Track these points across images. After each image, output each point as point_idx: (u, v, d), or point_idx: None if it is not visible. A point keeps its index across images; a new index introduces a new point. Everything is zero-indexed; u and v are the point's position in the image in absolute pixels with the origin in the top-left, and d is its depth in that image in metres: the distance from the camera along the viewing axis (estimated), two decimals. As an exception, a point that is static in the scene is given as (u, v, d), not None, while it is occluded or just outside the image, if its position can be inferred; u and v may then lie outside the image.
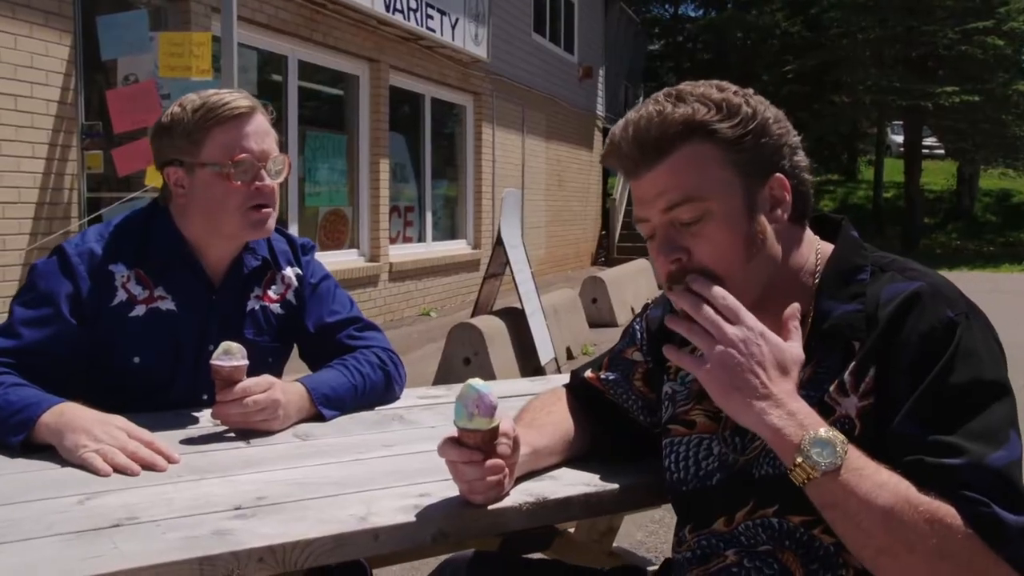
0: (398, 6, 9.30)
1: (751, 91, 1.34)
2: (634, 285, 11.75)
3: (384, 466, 1.61)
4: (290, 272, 2.10)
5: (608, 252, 18.48)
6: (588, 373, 1.66)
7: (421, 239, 11.46)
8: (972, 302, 1.27)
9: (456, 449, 1.35)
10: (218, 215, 1.91)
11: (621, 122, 1.33)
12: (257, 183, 1.90)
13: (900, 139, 24.88)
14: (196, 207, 1.93)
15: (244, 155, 1.88)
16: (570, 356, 8.24)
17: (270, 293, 2.06)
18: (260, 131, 1.92)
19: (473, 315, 7.51)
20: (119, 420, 1.65)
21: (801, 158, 1.34)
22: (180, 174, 1.92)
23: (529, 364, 7.13)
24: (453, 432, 1.36)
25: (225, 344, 1.75)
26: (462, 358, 6.59)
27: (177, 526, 1.31)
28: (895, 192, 27.06)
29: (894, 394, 1.21)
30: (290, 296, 2.09)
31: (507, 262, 7.45)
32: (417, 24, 9.77)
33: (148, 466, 1.56)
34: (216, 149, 1.88)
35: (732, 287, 1.27)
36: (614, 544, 2.30)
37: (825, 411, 1.24)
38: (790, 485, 1.22)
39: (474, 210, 12.74)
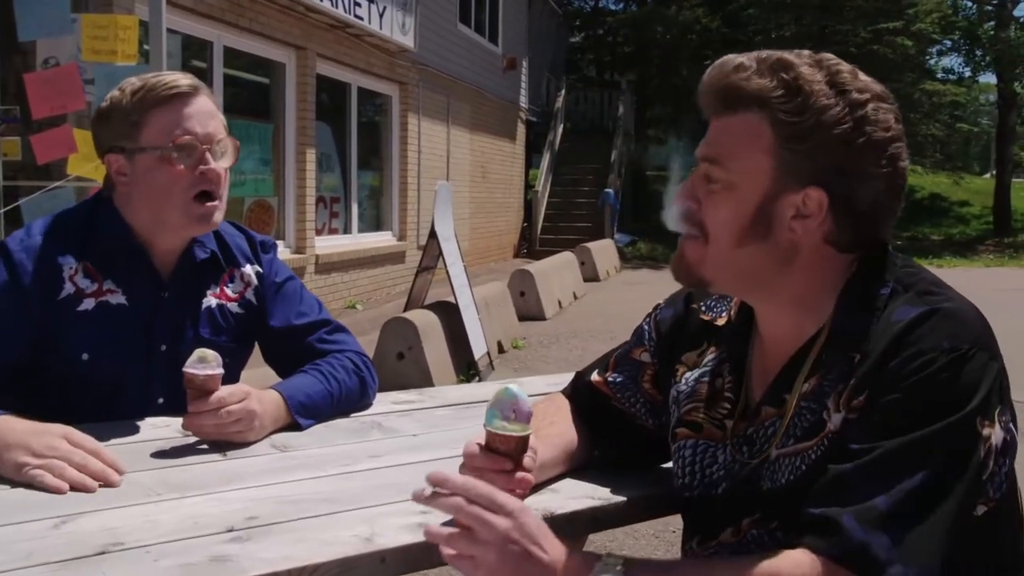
0: (326, -8, 9.11)
1: (867, 97, 1.21)
2: (561, 278, 11.76)
3: (375, 479, 1.54)
4: (249, 270, 2.00)
5: (531, 244, 18.49)
6: (595, 376, 1.60)
7: (347, 231, 11.28)
8: (989, 337, 1.19)
9: (486, 457, 1.28)
10: (162, 204, 1.80)
11: (716, 63, 1.27)
12: (202, 167, 1.79)
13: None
14: (139, 196, 1.82)
15: (186, 137, 1.77)
16: (501, 350, 8.20)
17: (227, 291, 1.96)
18: (204, 112, 1.81)
19: (406, 309, 7.42)
20: (57, 428, 1.52)
21: (878, 194, 1.23)
22: (121, 161, 1.81)
23: (462, 359, 7.06)
24: (479, 438, 1.30)
25: (199, 351, 1.65)
26: (396, 352, 6.49)
27: (168, 552, 1.22)
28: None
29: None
30: (249, 295, 1.99)
31: (440, 255, 7.37)
32: (345, 12, 9.58)
33: (100, 479, 1.45)
34: (156, 131, 1.77)
35: (711, 258, 1.27)
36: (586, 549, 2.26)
37: (819, 427, 1.22)
38: (788, 501, 1.21)
39: (399, 201, 12.59)
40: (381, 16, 10.54)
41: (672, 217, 1.31)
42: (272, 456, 1.66)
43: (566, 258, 13.05)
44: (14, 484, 1.44)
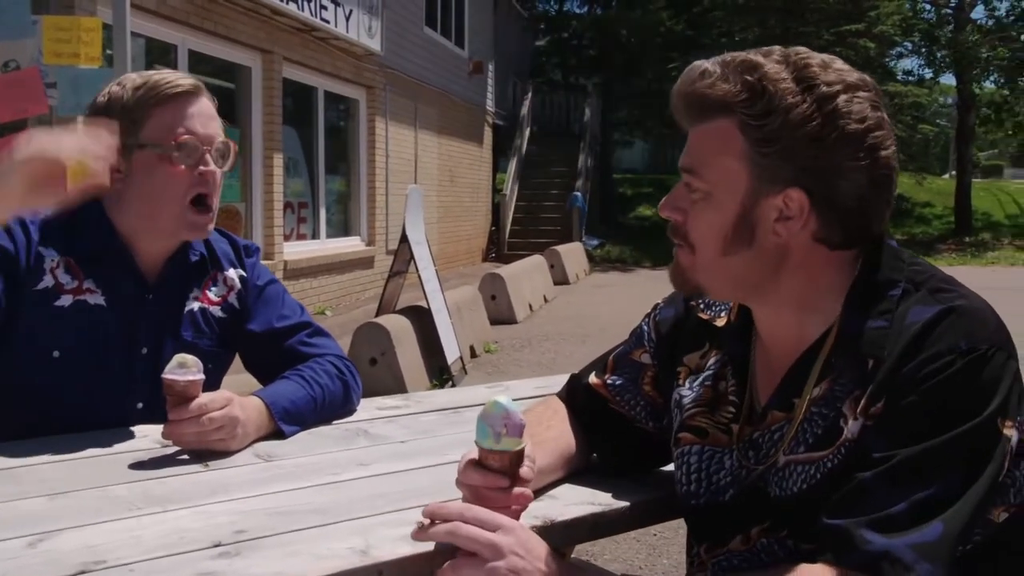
0: (292, -5, 9.01)
1: (837, 90, 1.16)
2: (531, 281, 11.73)
3: (365, 489, 1.48)
4: (233, 274, 1.95)
5: (499, 248, 18.43)
6: (593, 378, 1.55)
7: (315, 236, 11.15)
8: (1006, 336, 1.15)
9: (481, 474, 1.22)
10: (157, 205, 1.76)
11: (686, 71, 1.24)
12: (201, 167, 1.76)
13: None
14: (133, 194, 1.77)
15: (188, 136, 1.74)
16: (474, 354, 8.14)
17: (210, 295, 1.91)
18: (205, 113, 1.79)
19: (378, 314, 7.34)
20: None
21: (861, 188, 1.18)
22: (117, 157, 1.75)
23: (435, 363, 7.00)
24: (473, 454, 1.24)
25: (179, 356, 1.59)
26: (368, 358, 6.41)
27: (153, 570, 1.16)
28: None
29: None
30: (232, 299, 1.94)
31: (411, 259, 7.30)
32: (311, 15, 9.48)
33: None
34: (158, 129, 1.74)
35: (700, 268, 1.25)
36: (572, 556, 2.21)
37: (834, 434, 1.18)
38: (800, 510, 1.18)
39: (367, 206, 12.49)
40: (347, 19, 10.44)
41: (669, 233, 1.29)
42: (256, 466, 1.59)
43: (536, 261, 13.01)
44: (20, 498, 1.37)
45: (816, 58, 1.20)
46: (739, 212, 1.20)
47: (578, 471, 1.51)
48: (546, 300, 12.08)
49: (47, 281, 1.74)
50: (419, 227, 7.59)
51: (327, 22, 9.87)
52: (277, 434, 1.73)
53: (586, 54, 27.05)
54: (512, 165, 19.49)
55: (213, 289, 1.92)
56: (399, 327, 6.68)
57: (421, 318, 7.09)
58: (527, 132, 20.84)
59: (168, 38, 7.80)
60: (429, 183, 14.92)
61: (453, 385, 6.60)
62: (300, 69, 10.17)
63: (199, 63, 8.34)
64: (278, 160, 9.51)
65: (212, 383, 1.82)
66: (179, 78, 1.77)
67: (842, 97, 1.17)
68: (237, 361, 2.00)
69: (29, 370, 1.73)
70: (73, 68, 5.14)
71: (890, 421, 1.12)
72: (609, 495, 1.45)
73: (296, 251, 10.13)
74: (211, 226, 1.83)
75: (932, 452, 1.09)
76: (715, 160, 1.21)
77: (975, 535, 1.16)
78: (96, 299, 1.78)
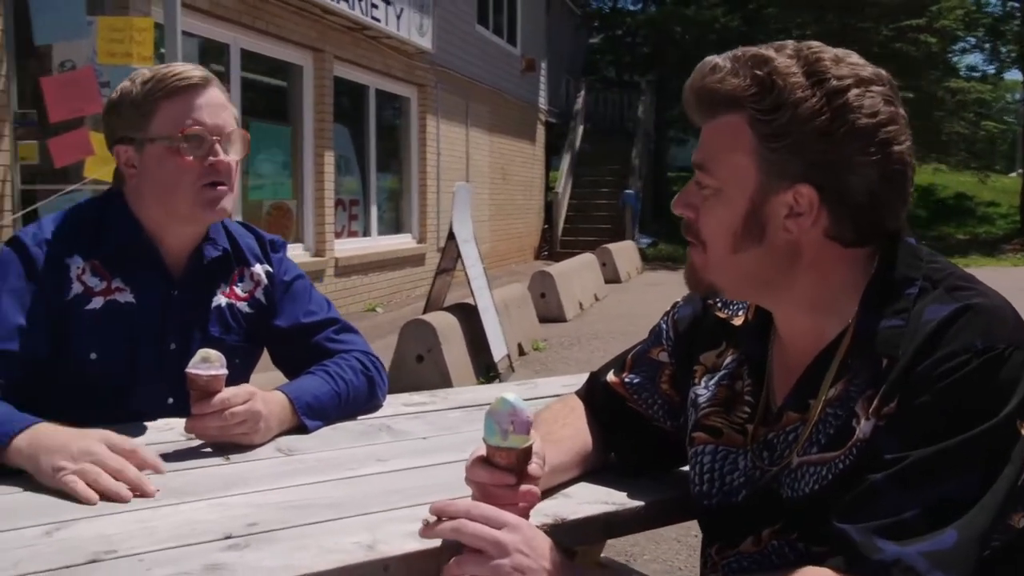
0: (343, -6, 9.09)
1: (847, 84, 1.14)
2: (581, 279, 11.69)
3: (381, 484, 1.48)
4: (259, 269, 1.96)
5: (551, 246, 18.41)
6: (611, 376, 1.54)
7: (366, 233, 11.25)
8: None
9: (488, 471, 1.22)
10: (171, 195, 1.78)
11: (698, 66, 1.22)
12: (211, 158, 1.76)
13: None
14: (149, 187, 1.80)
15: (196, 127, 1.75)
16: (522, 352, 8.14)
17: (237, 290, 1.93)
18: (214, 104, 1.79)
19: (425, 311, 7.37)
20: (96, 433, 1.49)
21: (872, 183, 1.15)
22: (130, 152, 1.79)
23: (482, 361, 7.01)
24: (481, 450, 1.24)
25: (203, 351, 1.60)
26: (415, 355, 6.45)
27: (162, 560, 1.17)
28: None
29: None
30: (259, 294, 1.95)
31: (459, 257, 7.32)
32: (362, 13, 9.56)
33: (136, 489, 1.40)
34: (166, 122, 1.75)
35: (712, 265, 1.24)
36: (604, 556, 2.20)
37: (846, 435, 1.16)
38: (811, 512, 1.16)
39: (419, 204, 12.56)
40: (398, 18, 10.51)
41: (683, 231, 1.28)
42: (277, 460, 1.61)
43: (587, 259, 12.97)
44: (26, 487, 1.41)
45: (829, 52, 1.18)
46: (749, 208, 1.19)
47: (595, 470, 1.50)
48: (597, 298, 12.03)
49: (76, 288, 1.76)
50: (467, 225, 7.60)
51: (378, 21, 9.94)
52: (300, 429, 1.75)
53: (640, 51, 26.92)
54: (565, 163, 19.45)
55: (240, 284, 1.94)
56: (446, 324, 6.70)
57: (468, 315, 7.11)
58: (580, 130, 20.78)
59: (221, 37, 7.92)
60: (481, 181, 14.96)
61: (500, 382, 6.61)
62: (351, 67, 10.27)
63: (251, 62, 8.47)
64: (329, 158, 9.60)
65: (240, 378, 1.84)
66: (187, 70, 1.78)
67: (853, 91, 1.14)
68: (267, 358, 2.02)
69: (69, 374, 1.76)
70: (126, 67, 5.23)
71: (903, 421, 1.10)
72: (624, 494, 1.43)
73: (347, 248, 10.23)
74: (227, 202, 1.82)
75: (945, 454, 1.06)
76: (725, 156, 1.20)
77: (994, 540, 1.12)
78: (126, 297, 1.80)
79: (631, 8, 29.04)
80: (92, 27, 5.32)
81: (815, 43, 1.20)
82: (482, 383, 6.79)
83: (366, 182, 11.22)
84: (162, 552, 1.19)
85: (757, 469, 1.27)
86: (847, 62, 1.18)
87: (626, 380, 1.51)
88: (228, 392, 1.61)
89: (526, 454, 1.23)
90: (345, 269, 9.91)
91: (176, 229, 1.85)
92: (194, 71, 1.79)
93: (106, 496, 1.37)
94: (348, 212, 10.74)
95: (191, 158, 1.75)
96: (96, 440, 1.46)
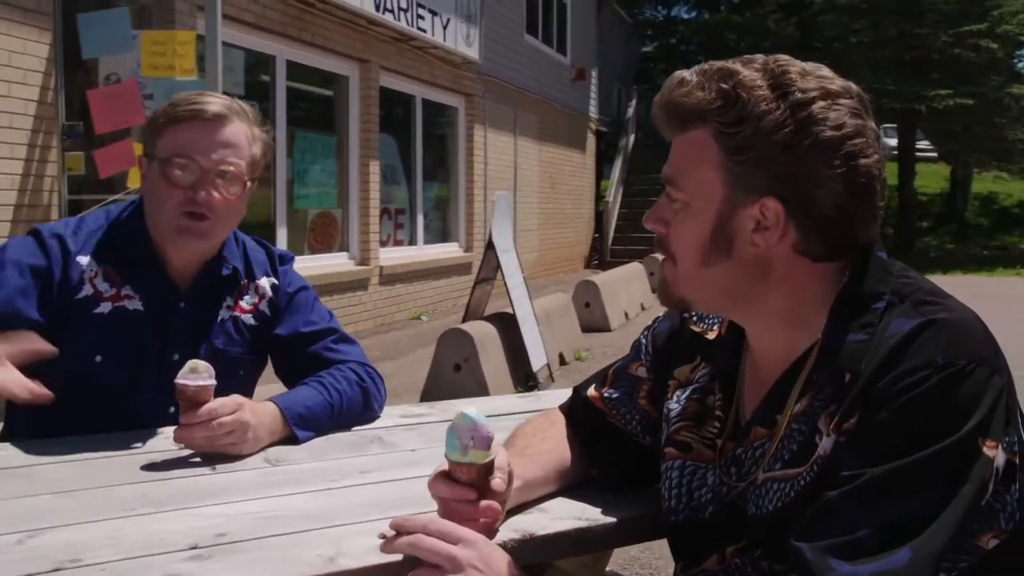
0: (388, 6, 9.17)
1: (812, 96, 1.12)
2: (628, 289, 11.63)
3: (358, 496, 1.49)
4: (265, 282, 1.99)
5: (602, 255, 18.35)
6: (591, 391, 1.53)
7: (412, 242, 11.33)
8: (991, 350, 1.09)
9: (448, 486, 1.22)
10: (155, 214, 1.84)
11: (667, 81, 1.22)
12: (193, 193, 1.78)
13: (894, 142, 24.77)
14: (146, 203, 1.87)
15: (185, 160, 1.77)
16: (563, 362, 8.11)
17: (242, 304, 1.96)
18: (217, 141, 1.79)
19: (464, 320, 7.39)
20: None
21: (839, 197, 1.13)
22: (144, 166, 1.86)
23: (521, 371, 7.00)
24: (444, 465, 1.24)
25: (192, 362, 1.63)
26: (452, 364, 6.46)
27: (122, 570, 1.18)
28: (889, 195, 26.92)
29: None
30: (263, 307, 1.98)
31: (498, 266, 7.33)
32: (408, 24, 9.64)
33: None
34: (165, 146, 1.80)
35: (682, 280, 1.23)
36: (607, 568, 2.18)
37: (809, 451, 1.14)
38: (773, 529, 1.14)
39: (466, 213, 12.61)
40: (445, 28, 10.58)
41: (655, 245, 1.29)
42: (262, 470, 1.62)
43: (634, 269, 12.90)
44: (7, 496, 1.43)
45: (797, 65, 1.17)
46: (716, 222, 1.18)
47: (574, 485, 1.48)
48: (643, 308, 11.96)
49: (87, 290, 1.81)
50: (507, 234, 7.61)
51: (424, 31, 10.01)
52: (292, 439, 1.76)
53: (693, 59, 26.70)
54: (616, 171, 19.39)
55: (246, 298, 1.97)
56: (483, 333, 6.70)
57: (508, 325, 7.10)
58: (632, 138, 20.70)
59: (266, 49, 8.04)
60: (529, 190, 14.97)
61: (539, 391, 6.59)
62: (397, 78, 10.35)
63: (297, 73, 8.58)
64: (374, 167, 9.69)
65: (243, 389, 1.86)
66: (205, 102, 1.80)
67: (818, 104, 1.13)
68: (270, 370, 2.04)
69: (72, 374, 1.79)
70: (169, 80, 5.36)
71: (862, 438, 1.08)
72: (599, 510, 1.41)
73: (392, 257, 10.30)
74: (212, 236, 1.84)
75: (901, 471, 1.03)
76: (692, 170, 1.19)
77: (961, 562, 1.09)
78: (134, 304, 1.84)
79: (684, 16, 28.90)
80: (136, 41, 5.46)
81: (784, 57, 1.19)
82: (520, 392, 6.79)
83: (412, 191, 11.30)
84: (124, 562, 1.20)
85: (724, 485, 1.26)
86: (815, 75, 1.16)
87: (605, 395, 1.50)
88: (216, 403, 1.63)
89: (487, 469, 1.22)
90: (390, 278, 9.98)
91: (170, 246, 1.87)
92: (213, 104, 1.80)
93: None
94: (394, 221, 10.82)
95: (175, 187, 1.78)
96: None
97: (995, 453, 1.05)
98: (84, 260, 1.83)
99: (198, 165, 1.78)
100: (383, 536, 1.19)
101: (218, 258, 1.92)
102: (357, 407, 1.90)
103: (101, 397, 1.82)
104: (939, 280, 1.16)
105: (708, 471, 1.28)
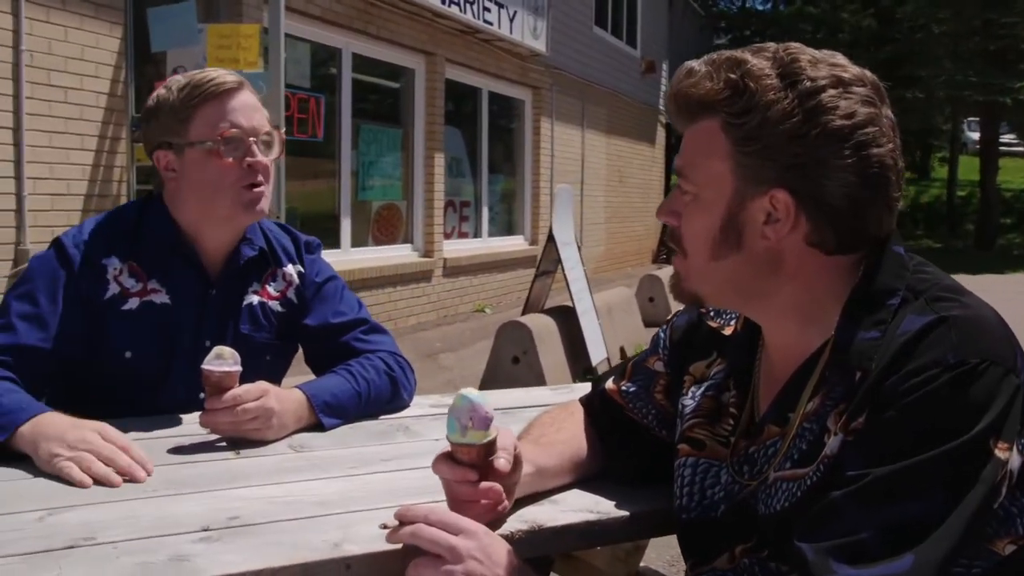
0: (454, -1, 9.20)
1: (822, 84, 1.10)
2: (693, 284, 11.49)
3: (376, 484, 1.50)
4: (291, 269, 2.01)
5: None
6: (610, 384, 1.52)
7: (477, 234, 11.35)
8: (1008, 348, 1.04)
9: (449, 466, 1.23)
10: (211, 196, 1.84)
11: (677, 71, 1.21)
12: (249, 159, 1.82)
13: (976, 136, 24.08)
14: (188, 190, 1.86)
15: (233, 130, 1.81)
16: (623, 356, 8.06)
17: (269, 289, 1.98)
18: (248, 106, 1.85)
19: (524, 313, 7.39)
20: (92, 424, 1.55)
21: (850, 186, 1.11)
22: (170, 157, 1.85)
23: (580, 364, 6.98)
24: (448, 447, 1.24)
25: (217, 348, 1.65)
26: (511, 356, 6.47)
27: (134, 549, 1.20)
28: (970, 190, 26.20)
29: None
30: (291, 294, 2.00)
31: (559, 259, 7.31)
32: (474, 17, 9.65)
33: (126, 474, 1.46)
34: (204, 126, 1.81)
35: (693, 273, 1.21)
36: (641, 564, 2.16)
37: (817, 450, 1.11)
38: (780, 529, 1.12)
39: (531, 206, 12.60)
40: (511, 21, 10.56)
41: (663, 236, 1.25)
42: (284, 456, 1.64)
43: (700, 263, 12.74)
44: (36, 474, 1.47)
45: (808, 53, 1.14)
46: (725, 214, 1.16)
47: (590, 476, 1.48)
48: (709, 303, 11.81)
49: (113, 289, 1.84)
50: (568, 227, 7.59)
51: (490, 24, 10.02)
52: (318, 426, 1.77)
53: (768, 51, 26.33)
54: (685, 165, 19.13)
55: (272, 284, 1.99)
56: (542, 327, 6.70)
57: (567, 318, 7.09)
58: (702, 132, 20.40)
59: (332, 42, 8.12)
60: (596, 183, 14.90)
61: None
62: (463, 70, 10.38)
63: (363, 65, 8.66)
64: (439, 160, 9.73)
65: (272, 375, 1.89)
66: (221, 76, 1.84)
67: (828, 92, 1.10)
68: (300, 359, 2.07)
69: (104, 372, 1.83)
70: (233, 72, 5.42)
71: (868, 437, 1.04)
72: (612, 503, 1.40)
73: (456, 249, 10.34)
74: (265, 203, 1.88)
75: (906, 472, 1.00)
76: (702, 161, 1.17)
77: (975, 567, 1.05)
78: (161, 298, 1.87)
79: (759, 8, 28.44)
80: (203, 34, 5.57)
81: (796, 44, 1.17)
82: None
83: (478, 184, 11.33)
84: (137, 541, 1.22)
85: (736, 484, 1.23)
86: (827, 63, 1.14)
87: (623, 388, 1.49)
88: (240, 389, 1.65)
89: (487, 449, 1.22)
90: (454, 270, 10.03)
91: (213, 230, 1.90)
92: (228, 76, 1.85)
93: (98, 481, 1.43)
94: (459, 213, 10.86)
95: (230, 160, 1.81)
96: (91, 430, 1.52)
97: (1008, 455, 1.01)
98: (108, 260, 1.85)
99: (243, 132, 1.81)
100: (385, 526, 1.20)
101: (244, 241, 1.95)
102: (385, 396, 1.91)
103: (133, 391, 1.85)
104: (1020, 280, 1.10)
105: (721, 469, 1.26)
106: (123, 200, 5.80)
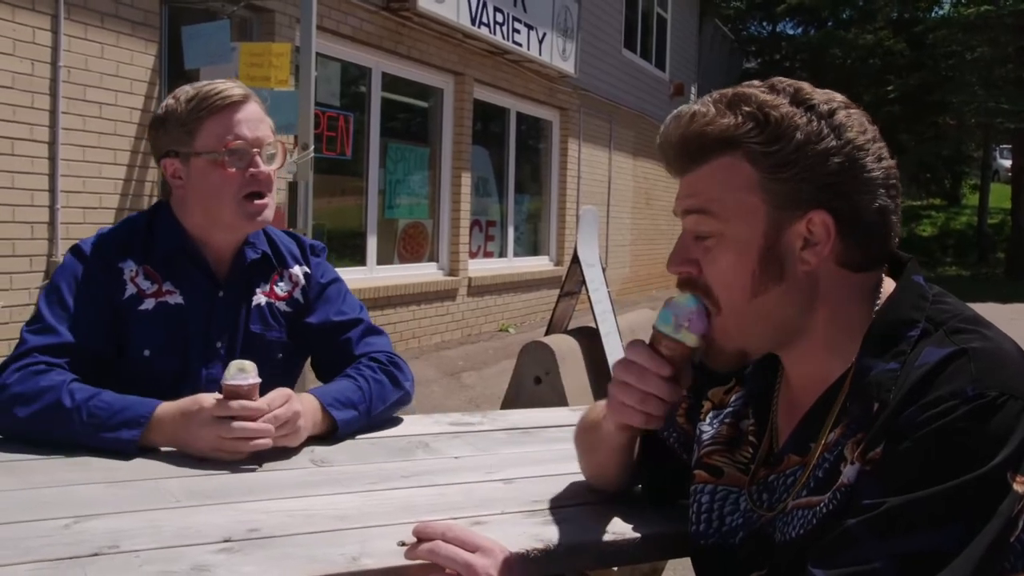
0: (484, 20, 9.27)
1: (833, 107, 1.14)
2: (718, 307, 11.45)
3: (395, 500, 1.52)
4: (297, 270, 2.07)
5: (695, 272, 18.09)
6: None
7: (502, 254, 11.39)
8: None
9: (647, 354, 1.24)
10: (215, 204, 1.91)
11: (670, 116, 1.21)
12: (252, 169, 1.89)
13: (1008, 163, 23.86)
14: (194, 197, 1.93)
15: (238, 142, 1.87)
16: (646, 378, 8.03)
17: (276, 290, 2.03)
18: (253, 118, 1.91)
19: (547, 333, 7.39)
20: (203, 399, 1.69)
21: (879, 198, 1.14)
22: (177, 165, 1.92)
23: (602, 386, 6.95)
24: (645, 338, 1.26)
25: (237, 363, 1.68)
26: (533, 377, 6.47)
27: (156, 558, 1.23)
28: (1001, 218, 25.94)
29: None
30: (297, 294, 2.06)
31: (583, 280, 7.31)
32: (503, 38, 9.72)
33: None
34: (210, 137, 1.88)
35: (729, 320, 1.18)
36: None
37: (833, 478, 1.11)
38: (795, 558, 1.11)
39: (557, 226, 12.63)
40: (540, 42, 10.63)
41: (679, 286, 1.22)
42: (305, 470, 1.66)
43: (726, 287, 12.69)
44: (63, 483, 1.50)
45: (799, 83, 1.18)
46: (763, 245, 1.15)
47: (622, 489, 1.51)
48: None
49: (130, 290, 1.90)
50: (593, 248, 7.59)
51: (519, 45, 10.09)
52: (332, 426, 1.81)
53: (798, 76, 26.16)
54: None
55: (280, 284, 2.04)
56: (565, 347, 6.69)
57: (591, 340, 7.08)
58: (730, 155, 20.38)
59: (363, 61, 8.22)
60: (623, 205, 14.90)
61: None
62: (492, 91, 10.44)
63: (392, 85, 8.74)
64: (466, 179, 9.79)
65: (284, 376, 1.97)
66: (228, 88, 1.89)
67: (842, 111, 1.14)
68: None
69: (125, 370, 1.88)
70: (264, 90, 5.50)
71: (885, 468, 1.05)
72: (632, 526, 1.41)
73: (481, 268, 10.38)
74: (268, 213, 1.94)
75: (922, 503, 1.00)
76: (725, 196, 1.16)
77: None
78: (176, 299, 1.93)
79: (790, 32, 28.42)
80: (235, 52, 5.65)
81: (781, 78, 1.19)
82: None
83: (504, 204, 11.37)
84: (159, 551, 1.25)
85: (755, 512, 1.23)
86: (818, 90, 1.17)
87: None
88: (267, 397, 1.69)
89: (689, 353, 1.22)
90: (478, 289, 10.06)
91: (218, 235, 1.97)
92: (235, 88, 1.91)
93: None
94: (484, 233, 10.90)
95: (233, 170, 1.88)
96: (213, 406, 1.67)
97: None
98: (124, 263, 1.91)
99: (247, 143, 1.88)
100: (403, 543, 1.21)
101: (247, 244, 2.01)
102: (388, 387, 1.95)
103: (153, 388, 1.88)
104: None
105: (740, 496, 1.27)
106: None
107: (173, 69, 5.98)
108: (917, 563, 0.99)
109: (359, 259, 8.30)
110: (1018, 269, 21.63)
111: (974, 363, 1.04)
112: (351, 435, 1.86)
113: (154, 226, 1.96)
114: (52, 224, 5.31)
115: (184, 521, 1.37)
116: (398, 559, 1.23)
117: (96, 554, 1.23)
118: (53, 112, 5.24)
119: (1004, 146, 25.46)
